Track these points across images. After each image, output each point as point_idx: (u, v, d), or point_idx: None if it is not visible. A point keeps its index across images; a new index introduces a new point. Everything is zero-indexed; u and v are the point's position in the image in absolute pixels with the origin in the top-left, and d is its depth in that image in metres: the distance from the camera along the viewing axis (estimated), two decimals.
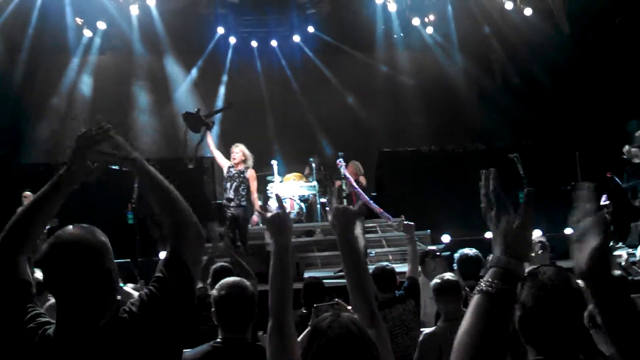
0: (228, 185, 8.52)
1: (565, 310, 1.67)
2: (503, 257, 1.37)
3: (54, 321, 1.83)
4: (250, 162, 8.64)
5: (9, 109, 12.27)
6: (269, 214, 2.30)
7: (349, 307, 2.66)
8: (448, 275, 3.99)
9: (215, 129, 14.59)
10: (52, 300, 2.53)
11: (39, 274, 3.60)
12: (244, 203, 8.51)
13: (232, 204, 8.49)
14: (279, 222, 2.27)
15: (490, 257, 1.44)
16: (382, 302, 4.30)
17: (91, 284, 1.77)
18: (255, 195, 8.70)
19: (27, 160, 12.35)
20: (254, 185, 8.64)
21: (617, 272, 4.11)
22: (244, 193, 8.50)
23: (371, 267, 4.42)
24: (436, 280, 3.93)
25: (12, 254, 1.91)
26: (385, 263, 4.71)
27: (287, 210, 2.36)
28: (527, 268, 1.77)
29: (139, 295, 1.88)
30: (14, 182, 9.91)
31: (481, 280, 1.38)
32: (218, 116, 14.83)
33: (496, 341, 1.31)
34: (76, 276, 1.76)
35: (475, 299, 1.36)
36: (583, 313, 2.04)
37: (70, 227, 1.84)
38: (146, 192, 2.00)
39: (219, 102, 14.82)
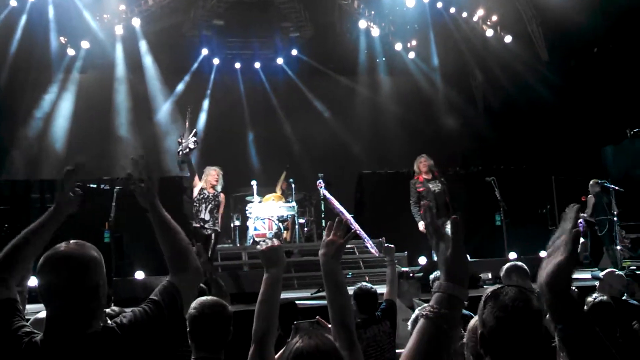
0: (203, 207, 8.41)
1: (524, 331, 1.69)
2: (444, 283, 1.44)
3: (37, 332, 1.95)
4: (219, 187, 8.68)
5: None
6: (262, 246, 2.38)
7: (329, 325, 2.68)
8: None
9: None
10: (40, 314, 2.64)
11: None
12: (218, 227, 8.55)
13: (208, 225, 8.38)
14: (274, 254, 2.36)
15: (436, 283, 1.51)
16: (357, 322, 4.25)
17: (80, 295, 1.90)
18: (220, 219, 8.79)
19: (5, 177, 12.21)
20: (222, 209, 8.75)
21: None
22: (217, 216, 8.53)
23: (351, 289, 4.34)
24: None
25: (4, 277, 2.08)
26: (369, 285, 4.63)
27: (279, 239, 2.42)
28: (490, 289, 1.82)
29: (132, 311, 2.02)
30: None
31: (426, 305, 1.43)
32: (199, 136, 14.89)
33: None
34: (66, 287, 1.90)
35: (419, 323, 1.43)
36: (541, 334, 2.08)
37: (66, 242, 1.99)
38: (159, 233, 2.21)
39: (201, 122, 14.84)
